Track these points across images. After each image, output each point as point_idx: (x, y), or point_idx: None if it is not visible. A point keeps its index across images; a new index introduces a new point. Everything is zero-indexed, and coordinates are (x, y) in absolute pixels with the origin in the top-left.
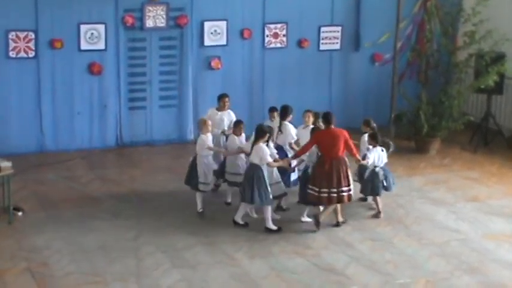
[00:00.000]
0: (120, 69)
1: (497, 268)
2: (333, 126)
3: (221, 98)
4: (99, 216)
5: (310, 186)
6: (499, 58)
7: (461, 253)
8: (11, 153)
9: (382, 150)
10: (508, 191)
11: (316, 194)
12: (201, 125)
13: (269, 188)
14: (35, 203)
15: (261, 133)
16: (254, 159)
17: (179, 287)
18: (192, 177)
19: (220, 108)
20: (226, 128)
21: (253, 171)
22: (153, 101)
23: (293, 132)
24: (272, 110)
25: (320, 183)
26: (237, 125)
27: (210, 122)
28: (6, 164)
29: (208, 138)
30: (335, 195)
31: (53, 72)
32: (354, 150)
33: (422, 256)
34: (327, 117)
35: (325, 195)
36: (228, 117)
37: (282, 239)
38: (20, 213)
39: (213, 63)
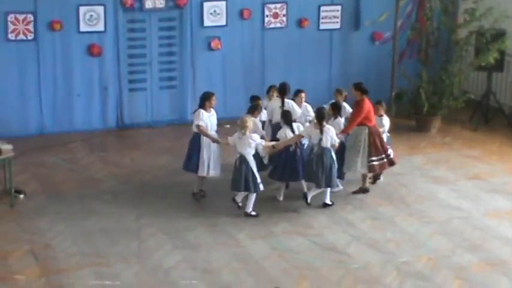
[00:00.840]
0: (120, 51)
1: (499, 245)
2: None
3: (210, 97)
4: (100, 198)
5: (375, 158)
6: (500, 35)
7: (463, 231)
8: (12, 136)
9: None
10: (508, 169)
11: (379, 162)
12: (243, 124)
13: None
14: (36, 185)
15: (323, 115)
16: (327, 143)
17: (181, 267)
18: (248, 181)
19: (209, 107)
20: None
21: (326, 155)
22: (153, 83)
23: (297, 108)
24: (272, 88)
25: (385, 149)
26: (257, 108)
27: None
28: (7, 146)
29: (257, 136)
30: (387, 159)
31: (53, 54)
32: None
33: (424, 234)
34: (362, 87)
35: (385, 160)
36: (215, 117)
37: (283, 220)
38: (21, 196)
39: (212, 44)
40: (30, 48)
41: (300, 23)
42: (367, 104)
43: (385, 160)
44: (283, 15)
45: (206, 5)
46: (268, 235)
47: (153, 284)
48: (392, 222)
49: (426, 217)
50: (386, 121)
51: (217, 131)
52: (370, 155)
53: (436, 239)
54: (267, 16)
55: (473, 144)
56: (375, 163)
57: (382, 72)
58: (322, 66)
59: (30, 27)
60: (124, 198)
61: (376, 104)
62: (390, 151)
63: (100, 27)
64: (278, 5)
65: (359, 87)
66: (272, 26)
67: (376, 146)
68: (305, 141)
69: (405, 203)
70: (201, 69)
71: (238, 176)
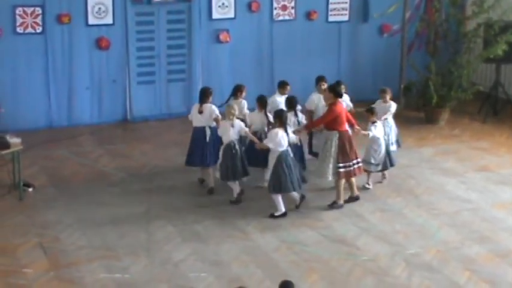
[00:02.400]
0: (129, 44)
1: (508, 237)
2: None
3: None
4: (109, 190)
5: (342, 164)
6: (508, 27)
7: (472, 222)
8: (20, 129)
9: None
10: None
11: (345, 169)
12: (233, 112)
13: None
14: (45, 178)
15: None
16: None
17: (190, 260)
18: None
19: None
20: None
21: None
22: (162, 75)
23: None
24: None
25: (354, 155)
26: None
27: None
28: (16, 140)
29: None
30: (354, 167)
31: (61, 48)
32: (353, 120)
33: (433, 226)
34: (335, 89)
35: (360, 164)
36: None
37: (292, 212)
38: (30, 189)
39: (221, 37)
40: (38, 41)
41: (308, 15)
42: (338, 108)
43: (352, 168)
44: (292, 8)
45: None
46: (277, 228)
47: (163, 277)
48: (401, 214)
49: (435, 209)
50: (393, 107)
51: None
52: (338, 161)
53: (445, 231)
54: (276, 8)
55: (481, 136)
56: (341, 170)
57: (390, 64)
58: (330, 58)
59: (39, 20)
60: (133, 191)
61: (381, 91)
62: (359, 159)
63: (108, 20)
64: None
65: (331, 90)
66: (281, 18)
67: (344, 152)
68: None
69: (414, 195)
70: (209, 62)
71: (235, 163)
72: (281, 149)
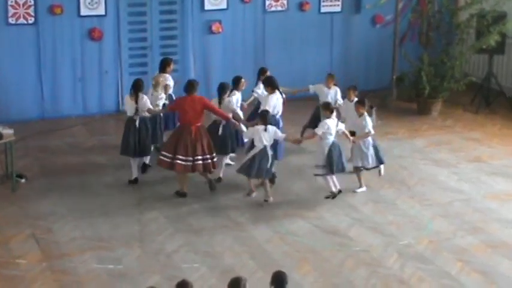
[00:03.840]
0: (121, 35)
1: (500, 227)
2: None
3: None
4: (102, 182)
5: (164, 152)
6: (501, 18)
7: (464, 213)
8: (12, 121)
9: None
10: (509, 151)
11: (170, 160)
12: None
13: None
14: (37, 169)
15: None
16: None
17: (183, 251)
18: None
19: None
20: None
21: None
22: (154, 66)
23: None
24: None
25: (178, 151)
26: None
27: None
28: (8, 131)
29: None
30: (190, 163)
31: (53, 39)
32: (222, 112)
33: (425, 217)
34: (191, 85)
35: (182, 162)
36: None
37: (285, 203)
38: (22, 180)
39: (213, 28)
40: (30, 32)
41: (301, 6)
42: (181, 102)
43: (170, 160)
44: None
45: None
46: (270, 218)
47: (155, 268)
48: (393, 205)
49: (427, 200)
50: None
51: None
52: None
53: (437, 222)
54: None
55: (474, 127)
56: (160, 157)
57: (383, 55)
58: (323, 49)
59: (31, 11)
60: (125, 182)
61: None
62: (200, 157)
63: (101, 11)
64: None
65: (185, 85)
66: (273, 9)
67: (168, 143)
68: None
69: (406, 186)
70: (202, 52)
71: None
72: (129, 115)
